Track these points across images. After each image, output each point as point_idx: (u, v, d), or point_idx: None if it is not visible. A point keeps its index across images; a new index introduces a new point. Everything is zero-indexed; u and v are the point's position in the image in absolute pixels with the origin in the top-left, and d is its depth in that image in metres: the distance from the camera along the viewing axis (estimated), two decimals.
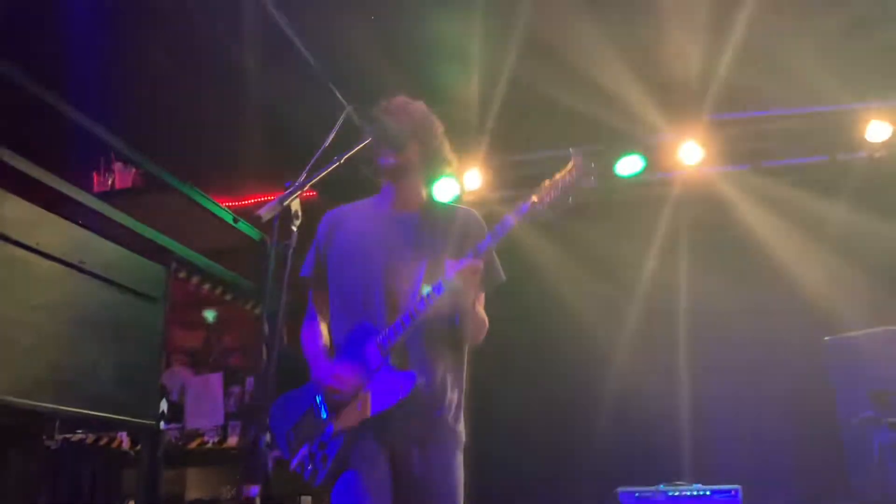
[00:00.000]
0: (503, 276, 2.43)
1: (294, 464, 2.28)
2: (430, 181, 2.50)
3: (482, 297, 2.42)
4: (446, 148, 2.45)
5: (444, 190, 5.76)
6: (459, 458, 2.32)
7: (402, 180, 2.40)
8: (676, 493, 4.63)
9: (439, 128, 2.43)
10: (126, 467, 3.78)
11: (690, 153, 5.51)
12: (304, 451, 2.26)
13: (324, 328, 2.48)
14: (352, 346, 2.30)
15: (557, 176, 2.15)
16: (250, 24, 4.25)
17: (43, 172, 3.02)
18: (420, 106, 2.43)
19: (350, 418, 2.21)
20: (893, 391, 4.29)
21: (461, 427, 2.36)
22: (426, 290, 2.18)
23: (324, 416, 2.27)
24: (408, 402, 2.13)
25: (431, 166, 2.44)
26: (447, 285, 2.11)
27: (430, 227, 2.37)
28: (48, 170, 3.09)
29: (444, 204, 2.53)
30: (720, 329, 5.68)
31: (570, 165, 2.15)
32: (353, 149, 2.14)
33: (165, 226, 3.68)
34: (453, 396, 2.32)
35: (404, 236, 2.37)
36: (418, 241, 2.34)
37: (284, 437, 2.34)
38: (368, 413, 2.17)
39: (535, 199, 2.15)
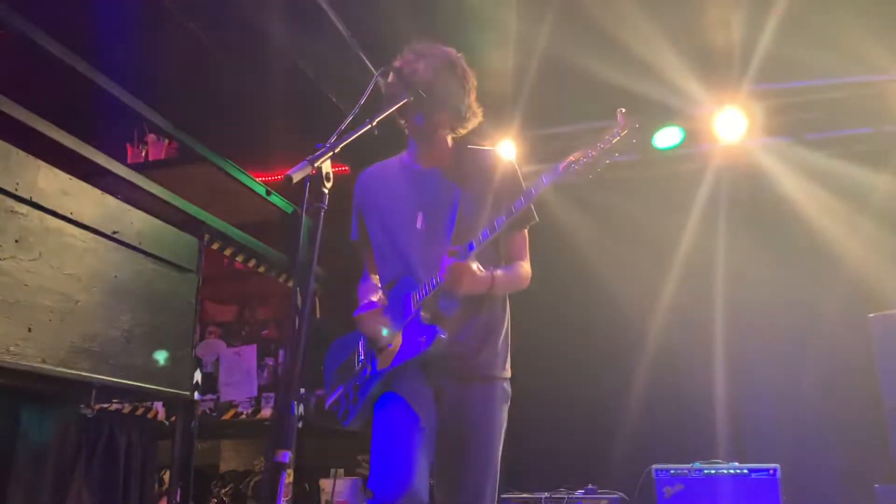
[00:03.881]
0: (536, 218, 2.39)
1: (329, 402, 2.35)
2: (456, 131, 2.43)
3: (522, 237, 2.39)
4: (469, 98, 2.36)
5: None
6: (503, 407, 2.30)
7: (427, 134, 2.35)
8: (713, 472, 4.56)
9: (461, 78, 2.33)
10: (161, 438, 3.82)
11: (731, 125, 5.37)
12: (339, 391, 2.33)
13: (376, 281, 2.52)
14: (394, 299, 2.34)
15: (602, 137, 2.09)
16: None
17: (78, 143, 3.04)
18: (436, 56, 2.33)
19: (382, 363, 2.25)
20: None
21: (505, 376, 2.35)
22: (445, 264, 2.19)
23: (361, 358, 2.34)
24: (428, 355, 2.15)
25: (455, 118, 2.37)
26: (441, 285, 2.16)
27: (459, 181, 2.34)
28: (83, 141, 3.10)
29: (473, 150, 2.45)
30: (760, 305, 5.57)
31: (617, 127, 2.08)
32: (385, 112, 2.09)
33: (198, 198, 3.69)
34: (492, 348, 2.31)
35: (431, 193, 2.35)
36: (446, 198, 2.31)
37: (330, 379, 2.42)
38: (390, 362, 2.22)
39: (572, 158, 2.10)
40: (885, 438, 4.44)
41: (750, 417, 5.36)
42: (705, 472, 4.57)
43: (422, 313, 2.20)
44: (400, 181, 2.41)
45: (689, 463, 4.66)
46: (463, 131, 2.41)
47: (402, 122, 2.34)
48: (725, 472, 4.54)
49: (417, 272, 2.26)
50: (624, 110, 2.08)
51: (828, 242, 5.39)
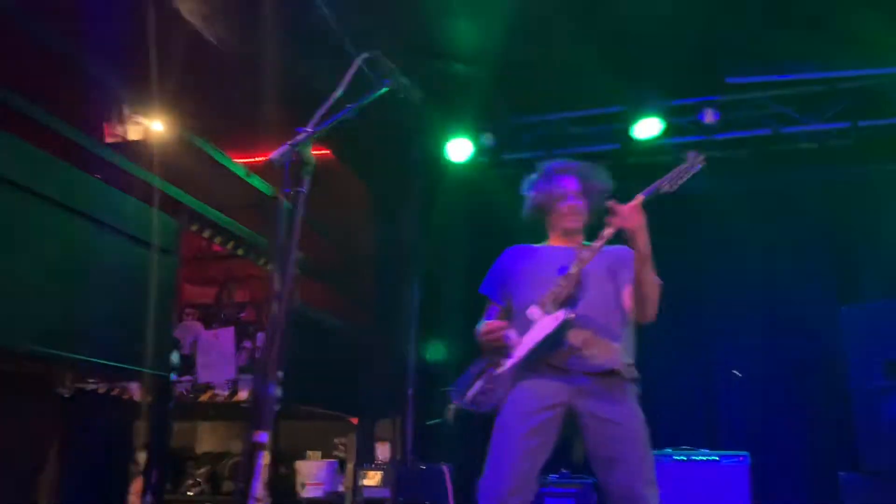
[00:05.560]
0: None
1: (469, 396, 2.63)
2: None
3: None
4: None
5: (459, 150, 5.70)
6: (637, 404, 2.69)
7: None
8: (684, 458, 4.64)
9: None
10: (137, 419, 3.81)
11: (708, 116, 5.42)
12: (477, 385, 2.63)
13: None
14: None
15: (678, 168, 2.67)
16: None
17: (56, 121, 3.01)
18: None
19: (510, 361, 2.57)
20: None
21: (634, 377, 2.70)
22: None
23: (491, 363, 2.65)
24: (559, 332, 2.47)
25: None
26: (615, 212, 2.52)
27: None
28: (61, 119, 3.07)
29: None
30: (732, 294, 5.64)
31: (688, 161, 2.66)
32: (366, 98, 2.09)
33: (178, 179, 3.67)
34: (622, 355, 2.69)
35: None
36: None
37: (463, 387, 2.68)
38: (524, 351, 2.52)
39: (666, 186, 2.65)
40: (852, 428, 4.54)
41: (721, 406, 5.45)
42: (676, 458, 4.65)
43: (548, 308, 2.51)
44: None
45: (660, 449, 4.73)
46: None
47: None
48: (696, 458, 4.62)
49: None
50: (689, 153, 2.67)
51: (802, 234, 5.46)
